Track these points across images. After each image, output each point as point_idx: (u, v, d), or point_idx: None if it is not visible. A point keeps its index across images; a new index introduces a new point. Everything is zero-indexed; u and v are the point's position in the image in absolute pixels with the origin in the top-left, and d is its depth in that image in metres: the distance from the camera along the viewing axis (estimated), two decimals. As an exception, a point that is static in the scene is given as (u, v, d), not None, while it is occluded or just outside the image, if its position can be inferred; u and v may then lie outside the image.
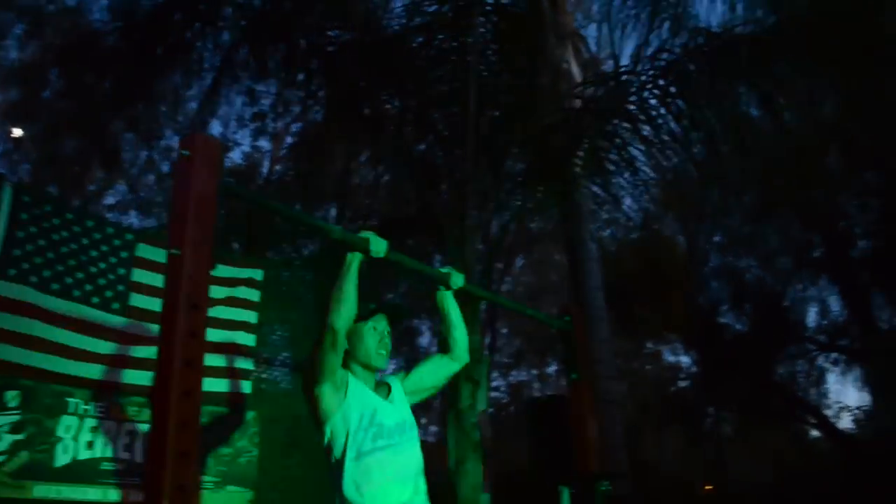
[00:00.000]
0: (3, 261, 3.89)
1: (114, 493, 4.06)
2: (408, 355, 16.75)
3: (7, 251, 3.91)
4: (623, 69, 6.51)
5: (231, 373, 4.78)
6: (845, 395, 29.30)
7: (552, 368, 25.64)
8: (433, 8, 7.01)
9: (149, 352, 4.28)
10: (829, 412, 18.56)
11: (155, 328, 4.33)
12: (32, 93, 14.90)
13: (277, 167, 16.72)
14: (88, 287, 4.24)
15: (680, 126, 6.19)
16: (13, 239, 3.95)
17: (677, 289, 16.05)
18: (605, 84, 7.03)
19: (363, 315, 2.74)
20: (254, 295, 5.14)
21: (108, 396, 4.20)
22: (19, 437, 3.76)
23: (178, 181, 2.15)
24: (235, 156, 17.57)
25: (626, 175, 7.08)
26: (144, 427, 4.29)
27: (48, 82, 14.29)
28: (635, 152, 6.86)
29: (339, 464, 2.53)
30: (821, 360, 18.25)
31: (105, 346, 4.20)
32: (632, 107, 6.38)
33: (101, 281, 4.32)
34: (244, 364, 4.93)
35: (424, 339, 18.83)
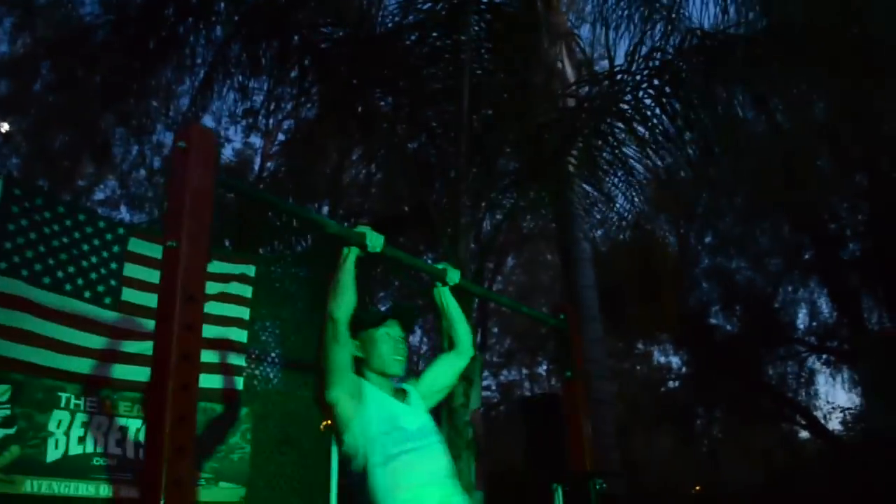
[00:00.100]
0: (-6, 254, 3.86)
1: (105, 489, 4.03)
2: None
3: (-2, 245, 3.88)
4: (618, 68, 6.50)
5: (224, 369, 4.76)
6: (834, 397, 29.52)
7: (543, 368, 25.70)
8: (427, 5, 6.99)
9: (141, 347, 4.26)
10: (818, 413, 18.68)
11: (147, 323, 4.33)
12: (23, 86, 14.79)
13: (269, 164, 16.69)
14: (80, 281, 4.21)
15: (674, 126, 6.20)
16: (4, 232, 3.92)
17: (668, 289, 16.08)
18: (599, 83, 7.03)
19: (374, 322, 2.71)
20: (246, 291, 5.12)
21: (99, 391, 4.17)
22: (10, 431, 3.73)
23: (174, 172, 2.13)
24: (226, 153, 17.56)
25: (620, 174, 7.10)
26: (136, 423, 4.26)
27: (39, 76, 14.19)
28: (629, 152, 6.88)
29: (366, 471, 2.44)
30: (811, 362, 18.37)
31: (97, 341, 4.18)
32: (626, 106, 6.39)
33: (93, 275, 4.29)
34: (237, 360, 4.92)
35: (414, 338, 18.81)
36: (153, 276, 4.40)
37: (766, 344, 17.66)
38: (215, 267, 4.86)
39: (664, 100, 6.18)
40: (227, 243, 6.62)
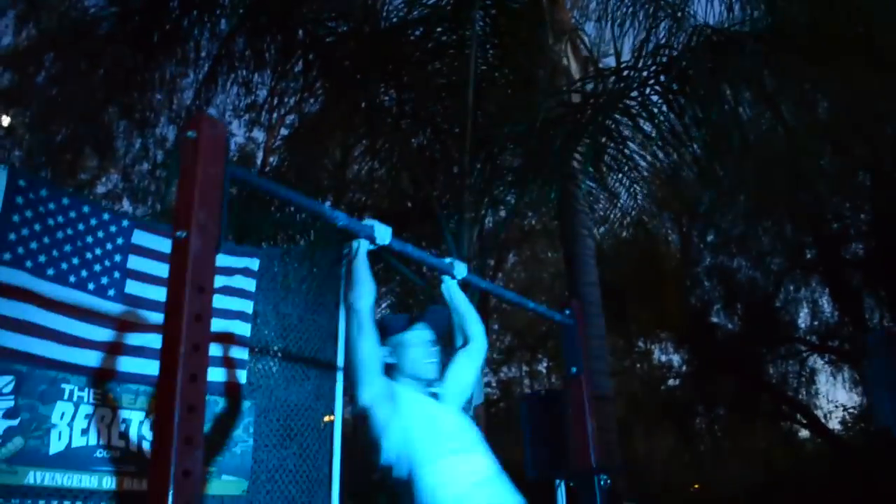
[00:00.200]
0: (-1, 245, 3.85)
1: (108, 481, 4.02)
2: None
3: (2, 235, 3.87)
4: (624, 64, 6.48)
5: (227, 362, 4.75)
6: (835, 397, 29.52)
7: (543, 365, 25.71)
8: (432, 1, 6.98)
9: (145, 339, 4.26)
10: (819, 412, 18.68)
11: (151, 315, 4.32)
12: (26, 78, 14.76)
13: (272, 159, 16.67)
14: (84, 273, 4.20)
15: (681, 123, 6.18)
16: (8, 223, 3.90)
17: (670, 287, 16.08)
18: (605, 79, 7.00)
19: (402, 326, 2.70)
20: (249, 284, 5.10)
21: (103, 383, 4.16)
22: (13, 422, 3.72)
23: (183, 163, 2.12)
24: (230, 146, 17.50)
25: (625, 171, 7.08)
26: (139, 415, 4.26)
27: (42, 68, 14.16)
28: (633, 148, 6.87)
29: (412, 474, 2.40)
30: (812, 361, 18.37)
31: (101, 333, 4.16)
32: (632, 103, 6.36)
33: (97, 267, 4.28)
34: (240, 353, 4.91)
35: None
36: (157, 268, 4.42)
37: (767, 343, 17.66)
38: (219, 260, 4.83)
39: (671, 96, 6.15)
40: (229, 236, 6.61)
